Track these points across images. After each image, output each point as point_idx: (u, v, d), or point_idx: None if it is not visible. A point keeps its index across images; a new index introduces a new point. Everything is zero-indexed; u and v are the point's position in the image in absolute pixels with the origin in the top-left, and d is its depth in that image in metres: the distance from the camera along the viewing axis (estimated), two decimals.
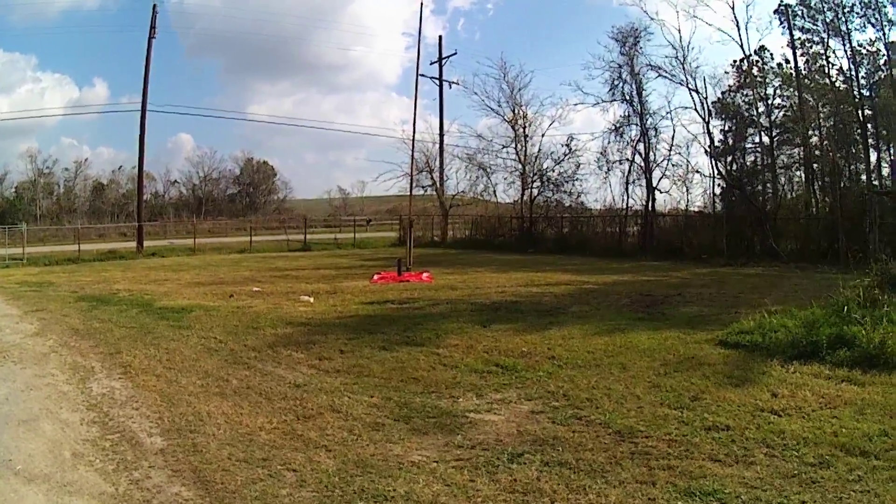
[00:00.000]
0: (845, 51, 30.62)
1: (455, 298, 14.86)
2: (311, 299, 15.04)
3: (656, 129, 34.58)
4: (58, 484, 5.08)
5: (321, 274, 21.96)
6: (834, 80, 31.33)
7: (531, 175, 39.43)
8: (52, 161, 67.15)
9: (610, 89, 35.22)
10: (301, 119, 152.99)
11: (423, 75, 37.88)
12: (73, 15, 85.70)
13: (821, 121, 31.59)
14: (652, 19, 34.11)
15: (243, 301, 15.07)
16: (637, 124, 34.76)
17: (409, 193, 28.83)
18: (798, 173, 33.20)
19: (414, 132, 26.02)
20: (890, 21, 29.52)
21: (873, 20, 29.99)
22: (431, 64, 46.84)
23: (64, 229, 45.54)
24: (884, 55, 29.89)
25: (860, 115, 30.35)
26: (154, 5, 39.39)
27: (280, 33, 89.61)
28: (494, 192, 42.82)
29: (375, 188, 47.23)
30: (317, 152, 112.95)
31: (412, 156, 28.14)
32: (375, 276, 19.94)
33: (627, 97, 34.89)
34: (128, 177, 66.94)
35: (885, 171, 30.44)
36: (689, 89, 32.29)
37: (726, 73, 33.58)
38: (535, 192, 39.41)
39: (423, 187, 43.81)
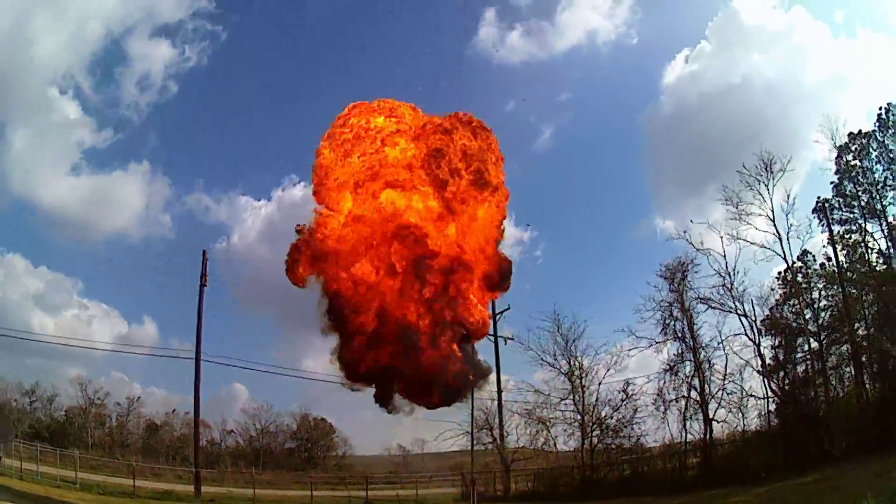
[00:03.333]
0: (882, 230, 32.58)
1: None
2: None
3: (709, 362, 35.41)
4: None
5: None
6: (874, 264, 32.30)
7: (590, 424, 39.56)
8: (104, 393, 68.22)
9: (662, 329, 36.84)
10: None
11: None
12: (117, 246, 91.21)
13: (865, 310, 31.95)
14: (698, 250, 35.41)
15: None
16: (691, 360, 35.81)
17: (470, 450, 28.98)
18: (848, 369, 33.38)
19: (473, 392, 26.49)
20: None
21: None
22: None
23: (118, 462, 45.60)
24: None
25: None
26: (204, 252, 41.74)
27: None
28: (555, 444, 42.49)
29: (435, 445, 47.11)
30: (374, 410, 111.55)
31: (472, 415, 28.47)
32: None
33: (679, 334, 36.32)
34: (182, 421, 67.41)
35: None
36: (738, 315, 33.83)
37: (772, 289, 35.20)
38: (595, 440, 39.36)
39: (483, 444, 43.43)
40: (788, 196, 33.93)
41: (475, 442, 32.77)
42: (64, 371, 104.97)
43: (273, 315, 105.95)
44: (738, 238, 34.26)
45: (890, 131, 33.17)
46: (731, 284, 34.07)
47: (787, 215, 33.92)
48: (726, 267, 34.62)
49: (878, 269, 32.82)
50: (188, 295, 42.53)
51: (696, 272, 36.32)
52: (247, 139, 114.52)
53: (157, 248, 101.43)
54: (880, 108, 34.50)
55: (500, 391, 45.53)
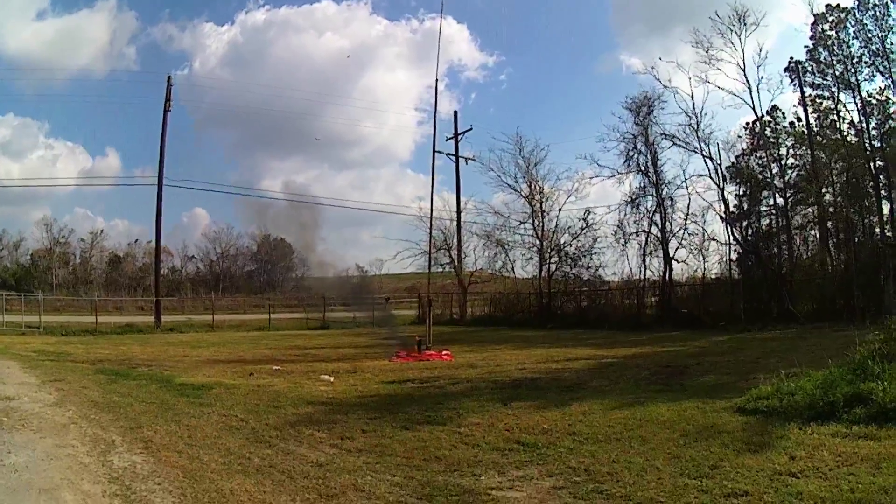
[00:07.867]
0: (855, 103, 31.44)
1: (475, 377, 14.81)
2: (332, 378, 14.96)
3: (672, 199, 35.30)
4: None
5: (341, 353, 21.96)
6: (845, 133, 32.08)
7: (549, 250, 39.96)
8: (68, 231, 68.16)
9: (625, 161, 36.25)
10: (313, 196, 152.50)
11: (438, 152, 37.94)
12: (82, 83, 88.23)
13: (833, 177, 32.24)
14: (665, 87, 34.34)
15: (264, 379, 15.03)
16: (653, 195, 35.56)
17: (427, 271, 29.14)
18: (813, 233, 33.79)
19: (431, 210, 26.29)
20: None
21: (882, 68, 30.75)
22: (447, 140, 46.90)
23: (81, 300, 45.88)
24: (893, 103, 30.72)
25: (872, 167, 31.08)
26: (168, 77, 40.80)
27: (289, 107, 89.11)
28: (513, 268, 43.22)
29: (393, 266, 47.37)
30: (332, 230, 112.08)
31: (430, 234, 28.54)
32: (395, 356, 19.78)
33: (642, 168, 35.79)
34: (144, 250, 67.74)
35: None
36: (703, 156, 33.09)
37: (739, 136, 34.65)
38: (554, 267, 39.84)
39: (441, 265, 44.11)
40: (760, 50, 32.77)
41: (433, 262, 33.01)
42: (30, 215, 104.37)
43: (231, 137, 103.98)
44: (706, 81, 33.21)
45: (869, 12, 31.68)
46: (698, 125, 33.14)
47: (758, 67, 33.41)
48: (693, 107, 33.52)
49: (848, 139, 32.13)
50: (151, 124, 41.59)
51: (662, 108, 35.49)
52: None
53: (122, 80, 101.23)
54: None
55: (458, 211, 45.91)
